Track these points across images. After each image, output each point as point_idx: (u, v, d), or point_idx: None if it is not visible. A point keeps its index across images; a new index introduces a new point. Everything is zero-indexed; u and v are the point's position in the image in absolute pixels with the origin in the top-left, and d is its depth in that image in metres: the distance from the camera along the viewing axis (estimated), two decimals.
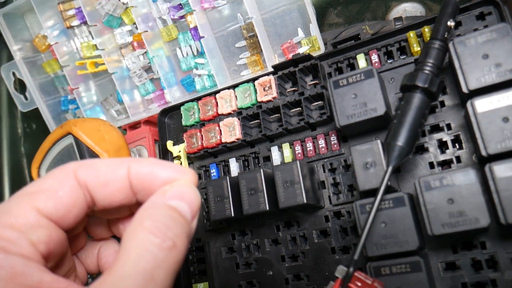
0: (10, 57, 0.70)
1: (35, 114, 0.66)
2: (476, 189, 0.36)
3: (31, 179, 0.68)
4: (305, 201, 0.42)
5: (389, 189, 0.40)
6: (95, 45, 0.62)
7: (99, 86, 0.65)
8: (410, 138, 0.38)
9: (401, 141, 0.37)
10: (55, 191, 0.28)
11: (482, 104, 0.37)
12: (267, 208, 0.43)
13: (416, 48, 0.44)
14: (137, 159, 0.31)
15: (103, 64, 0.61)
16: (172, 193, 0.29)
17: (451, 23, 0.40)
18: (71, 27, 0.62)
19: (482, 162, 0.38)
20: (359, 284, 0.35)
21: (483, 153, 0.36)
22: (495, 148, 0.36)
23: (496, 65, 0.37)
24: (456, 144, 0.42)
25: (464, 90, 0.38)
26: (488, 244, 0.39)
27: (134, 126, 0.63)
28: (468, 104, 0.37)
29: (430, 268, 0.39)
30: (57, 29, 0.62)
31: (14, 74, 0.64)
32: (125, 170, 0.29)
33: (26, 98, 0.65)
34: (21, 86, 0.66)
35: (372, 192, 0.39)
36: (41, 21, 0.60)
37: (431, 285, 0.37)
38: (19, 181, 0.65)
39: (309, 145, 0.48)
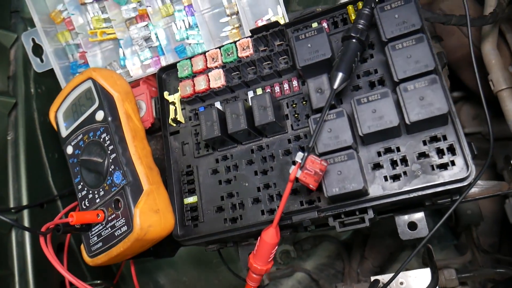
0: (25, 29, 0.83)
1: (46, 75, 0.79)
2: (390, 102, 0.53)
3: (42, 128, 0.80)
4: (274, 119, 0.58)
5: (333, 107, 0.56)
6: (104, 18, 0.76)
7: (104, 52, 0.79)
8: (347, 69, 0.54)
9: (341, 70, 0.54)
10: None
11: (395, 46, 0.54)
12: (246, 127, 0.58)
13: (353, 17, 0.62)
14: None
15: (110, 34, 0.76)
16: None
17: None
18: (84, 3, 0.76)
19: (395, 87, 0.55)
20: (311, 163, 0.51)
21: (395, 78, 0.53)
22: (403, 74, 0.53)
23: (403, 22, 0.55)
24: (381, 84, 0.59)
25: (384, 39, 0.55)
26: (401, 148, 0.56)
27: (133, 86, 0.77)
28: (386, 48, 0.55)
29: (360, 160, 0.55)
30: (72, 5, 0.76)
31: (33, 40, 0.77)
32: None
33: (42, 61, 0.78)
34: (34, 51, 0.79)
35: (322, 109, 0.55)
36: None
37: (361, 170, 0.53)
38: (31, 130, 0.77)
39: (277, 89, 0.64)
